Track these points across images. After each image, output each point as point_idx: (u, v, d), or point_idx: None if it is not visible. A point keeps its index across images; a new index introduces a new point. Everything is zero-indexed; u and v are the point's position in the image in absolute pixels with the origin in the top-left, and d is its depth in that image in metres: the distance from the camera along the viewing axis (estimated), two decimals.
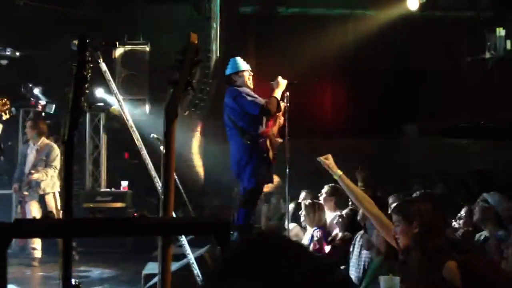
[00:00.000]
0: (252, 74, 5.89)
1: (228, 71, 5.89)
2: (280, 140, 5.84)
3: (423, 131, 10.92)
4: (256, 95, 5.69)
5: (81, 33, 1.90)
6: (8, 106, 6.27)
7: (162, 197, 2.06)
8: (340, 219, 5.50)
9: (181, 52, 1.93)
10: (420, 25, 10.12)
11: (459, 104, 10.88)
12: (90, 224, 1.90)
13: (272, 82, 5.76)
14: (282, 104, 5.79)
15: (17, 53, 9.95)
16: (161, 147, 2.42)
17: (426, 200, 3.11)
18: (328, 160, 3.55)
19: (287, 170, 5.57)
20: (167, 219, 2.01)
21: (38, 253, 7.86)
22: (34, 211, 8.00)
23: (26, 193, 8.09)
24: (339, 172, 3.48)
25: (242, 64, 5.86)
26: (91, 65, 1.94)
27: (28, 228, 1.86)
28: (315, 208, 5.85)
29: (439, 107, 10.78)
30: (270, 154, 5.62)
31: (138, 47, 9.71)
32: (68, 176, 2.03)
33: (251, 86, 5.85)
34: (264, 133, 5.69)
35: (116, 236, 8.03)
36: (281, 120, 5.95)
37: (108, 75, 4.57)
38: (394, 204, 3.56)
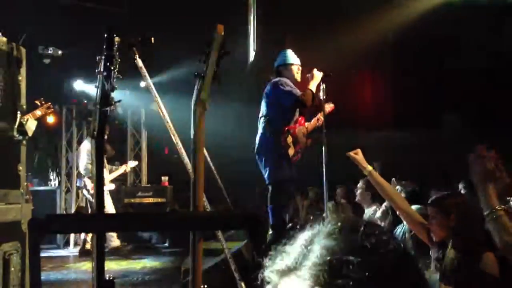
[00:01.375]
0: (301, 68, 5.82)
1: (276, 63, 5.86)
2: (309, 140, 5.74)
3: (465, 122, 10.62)
4: (294, 87, 5.61)
5: (107, 26, 1.90)
6: (52, 110, 6.43)
7: (191, 191, 2.04)
8: (381, 213, 5.43)
9: (208, 44, 1.91)
10: (463, 12, 9.81)
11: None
12: (120, 219, 1.90)
13: (307, 75, 5.69)
14: (328, 108, 5.70)
15: (60, 52, 10.17)
16: None
17: (461, 194, 3.01)
18: (358, 155, 3.47)
19: (324, 164, 5.46)
20: (197, 214, 2.00)
21: (88, 245, 8.12)
22: (110, 204, 8.38)
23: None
24: (369, 167, 3.39)
25: (292, 57, 5.81)
26: (119, 60, 1.94)
27: (61, 223, 1.88)
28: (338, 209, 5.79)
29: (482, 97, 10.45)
30: (290, 151, 5.49)
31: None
32: (99, 171, 2.04)
33: (299, 80, 5.79)
34: (289, 129, 5.60)
35: (155, 231, 8.20)
36: (319, 121, 5.84)
37: (144, 71, 4.59)
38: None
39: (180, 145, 4.46)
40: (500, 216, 2.30)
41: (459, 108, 10.59)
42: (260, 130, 5.68)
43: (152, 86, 4.73)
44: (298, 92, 5.52)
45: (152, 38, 4.36)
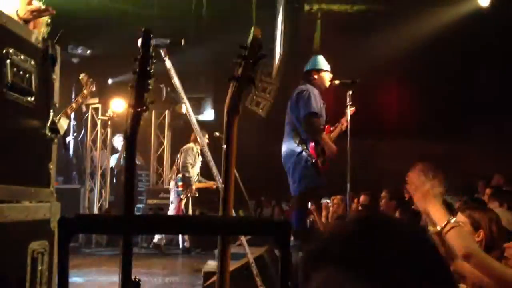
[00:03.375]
0: (332, 76, 5.81)
1: (307, 67, 5.85)
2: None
3: (492, 131, 10.45)
4: (317, 101, 5.55)
5: (145, 28, 1.88)
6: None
7: (222, 195, 2.02)
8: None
9: (244, 47, 1.88)
10: (490, 22, 9.65)
11: None
12: (149, 221, 1.88)
13: (335, 82, 5.69)
14: (350, 111, 5.63)
15: (88, 51, 10.28)
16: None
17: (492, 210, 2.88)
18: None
19: (348, 170, 5.40)
20: (225, 219, 1.97)
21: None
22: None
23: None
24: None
25: (323, 63, 5.81)
26: (155, 61, 1.92)
27: (90, 223, 1.87)
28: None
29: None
30: (320, 160, 5.44)
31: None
32: (130, 172, 2.02)
33: (327, 86, 5.78)
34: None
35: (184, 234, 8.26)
36: (343, 126, 5.81)
37: (172, 72, 4.58)
38: (464, 204, 3.21)
39: (206, 149, 4.44)
40: (458, 225, 2.27)
41: (486, 118, 10.42)
42: (287, 138, 5.63)
43: (181, 88, 4.72)
44: (315, 109, 5.47)
45: (182, 40, 4.35)
